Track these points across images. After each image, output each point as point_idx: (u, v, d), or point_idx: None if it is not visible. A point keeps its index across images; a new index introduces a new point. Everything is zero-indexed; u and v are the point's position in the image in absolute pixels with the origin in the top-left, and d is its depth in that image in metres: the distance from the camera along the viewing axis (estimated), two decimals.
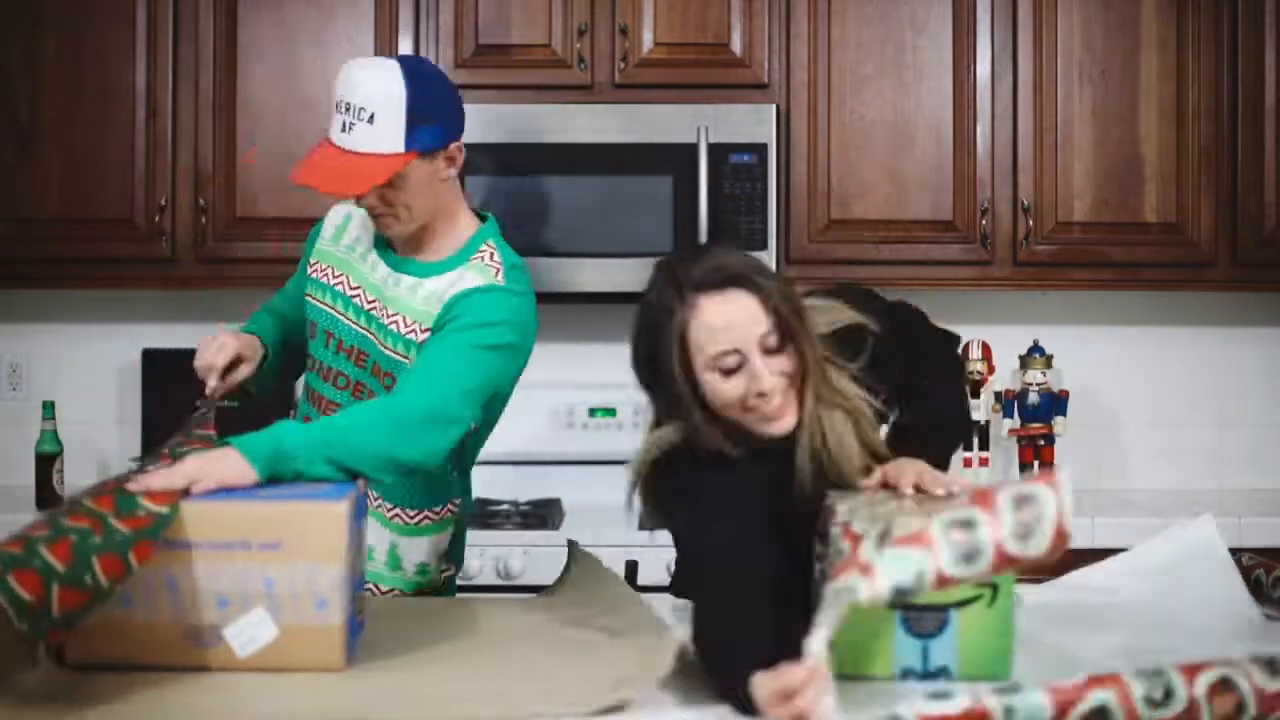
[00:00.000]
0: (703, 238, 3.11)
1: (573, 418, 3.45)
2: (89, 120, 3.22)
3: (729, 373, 1.69)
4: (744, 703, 1.42)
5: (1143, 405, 3.58)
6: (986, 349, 3.37)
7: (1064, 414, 3.39)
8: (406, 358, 2.08)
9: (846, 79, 3.25)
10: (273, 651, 1.58)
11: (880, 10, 3.26)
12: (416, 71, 2.04)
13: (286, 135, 3.23)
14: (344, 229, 2.22)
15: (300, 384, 2.28)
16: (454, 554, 2.31)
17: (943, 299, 3.52)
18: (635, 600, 1.92)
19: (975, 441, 3.35)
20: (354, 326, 2.14)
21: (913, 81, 3.25)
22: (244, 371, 2.13)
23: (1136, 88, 3.25)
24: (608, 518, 3.16)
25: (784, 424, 1.73)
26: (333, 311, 2.16)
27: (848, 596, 1.34)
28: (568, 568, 2.16)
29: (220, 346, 2.09)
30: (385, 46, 3.23)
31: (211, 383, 2.07)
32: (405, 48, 3.23)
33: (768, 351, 1.70)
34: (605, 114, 3.17)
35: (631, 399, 3.54)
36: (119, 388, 3.51)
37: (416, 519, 2.21)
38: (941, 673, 1.59)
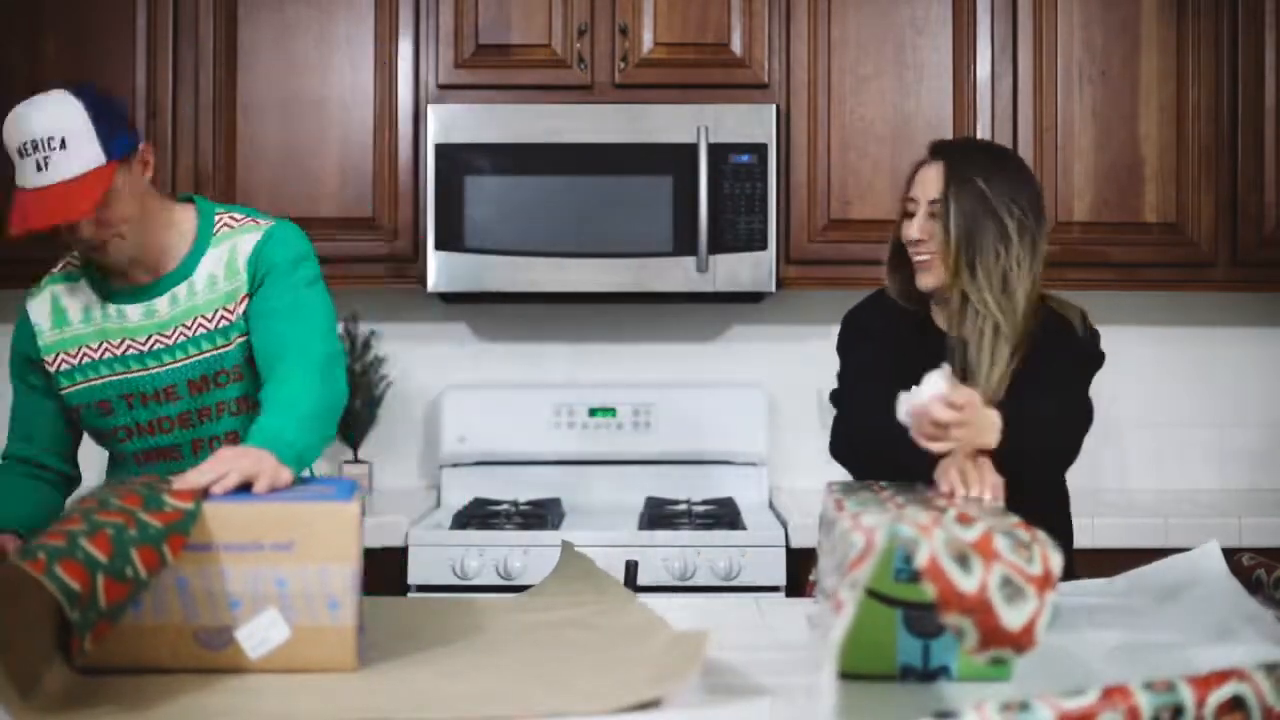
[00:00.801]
0: (703, 238, 3.11)
1: (573, 418, 3.45)
2: None
3: (905, 215, 2.19)
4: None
5: (1142, 405, 3.58)
6: None
7: None
8: (228, 345, 2.15)
9: (846, 79, 3.25)
10: (284, 652, 1.58)
11: (880, 10, 3.26)
12: (80, 90, 2.06)
13: (287, 135, 3.23)
14: (62, 314, 2.19)
15: (102, 455, 2.28)
16: None
17: None
18: (631, 598, 1.92)
19: None
20: (152, 372, 2.16)
21: (913, 81, 3.26)
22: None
23: (1136, 88, 3.25)
24: (608, 518, 3.17)
25: (926, 278, 2.16)
26: (118, 377, 2.16)
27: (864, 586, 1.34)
28: (560, 566, 2.16)
29: None
30: (385, 46, 3.23)
31: None
32: (405, 48, 3.23)
33: (930, 215, 2.14)
34: (605, 114, 3.17)
35: (631, 399, 3.56)
36: None
37: None
38: (942, 672, 1.59)
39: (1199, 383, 3.59)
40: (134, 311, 2.16)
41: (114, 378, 2.16)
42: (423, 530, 2.98)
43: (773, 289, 3.17)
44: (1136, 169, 3.25)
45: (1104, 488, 3.53)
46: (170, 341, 2.15)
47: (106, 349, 2.17)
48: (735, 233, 3.15)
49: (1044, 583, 1.37)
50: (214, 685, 1.54)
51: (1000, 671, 1.57)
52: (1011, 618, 1.34)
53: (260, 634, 1.58)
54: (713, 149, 3.14)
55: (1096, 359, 2.22)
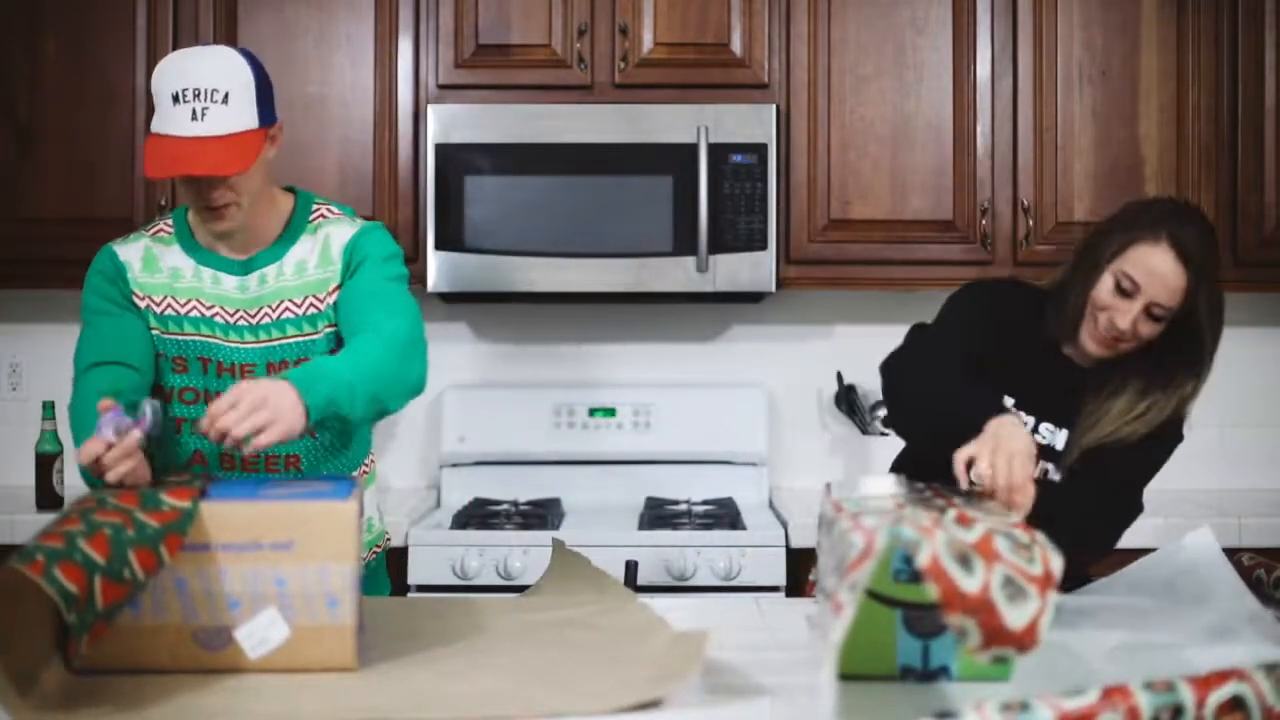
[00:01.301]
0: (703, 238, 3.11)
1: (573, 418, 3.45)
2: (89, 120, 3.22)
3: (1120, 292, 2.03)
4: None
5: None
6: None
7: None
8: (315, 333, 2.13)
9: (846, 79, 3.25)
10: (284, 652, 1.58)
11: (880, 10, 3.26)
12: (245, 52, 2.06)
13: (287, 135, 3.23)
14: (154, 261, 2.15)
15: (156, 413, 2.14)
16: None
17: (943, 299, 3.51)
18: (630, 598, 1.92)
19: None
20: (234, 345, 2.13)
21: (913, 81, 3.25)
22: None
23: (1136, 88, 3.25)
24: (608, 518, 3.17)
25: (1102, 351, 2.08)
26: (202, 338, 2.13)
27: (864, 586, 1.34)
28: (555, 565, 2.16)
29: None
30: (385, 46, 3.23)
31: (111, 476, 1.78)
32: (405, 48, 3.23)
33: (1149, 315, 2.03)
34: (605, 114, 3.17)
35: (631, 399, 3.56)
36: None
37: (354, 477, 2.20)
38: (942, 672, 1.59)
39: None
40: (230, 282, 2.13)
41: (197, 337, 2.12)
42: (423, 530, 2.98)
43: (773, 289, 3.17)
44: (1136, 169, 3.25)
45: None
46: (255, 321, 2.12)
47: (195, 307, 2.12)
48: (735, 233, 3.15)
49: (1045, 583, 1.37)
50: (213, 685, 1.54)
51: (1000, 671, 1.57)
52: (1014, 617, 1.34)
53: (260, 634, 1.58)
54: (713, 149, 3.14)
55: (1178, 440, 2.20)
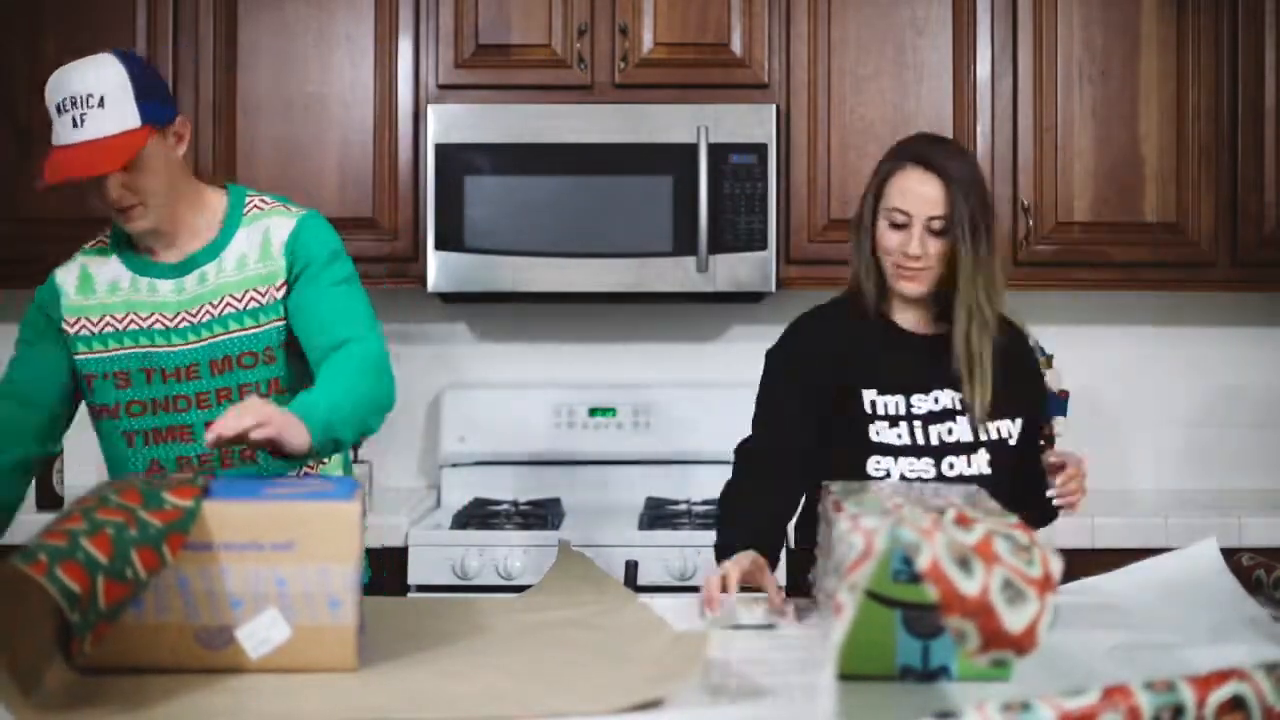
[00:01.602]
0: (703, 238, 3.11)
1: (573, 418, 3.45)
2: None
3: (897, 227, 2.12)
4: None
5: (1143, 405, 3.58)
6: None
7: (1064, 414, 3.38)
8: (258, 327, 2.15)
9: (846, 79, 3.25)
10: (285, 652, 1.58)
11: (880, 10, 3.26)
12: (127, 56, 2.10)
13: (287, 135, 3.23)
14: (89, 281, 2.20)
15: (90, 431, 2.24)
16: None
17: None
18: (631, 598, 1.92)
19: None
20: (176, 349, 2.15)
21: (913, 81, 3.25)
22: None
23: (1136, 88, 3.25)
24: (608, 518, 3.17)
25: (913, 287, 2.14)
26: (140, 350, 2.16)
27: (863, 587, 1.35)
28: (558, 565, 2.16)
29: None
30: (385, 46, 3.23)
31: None
32: (405, 48, 3.23)
33: (931, 232, 2.10)
34: (605, 114, 3.17)
35: (631, 399, 3.56)
36: None
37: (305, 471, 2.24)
38: (942, 672, 1.59)
39: (1199, 382, 3.59)
40: (165, 287, 2.17)
41: (136, 350, 2.16)
42: (422, 530, 2.98)
43: (773, 289, 3.17)
44: (1136, 169, 3.25)
45: (1104, 488, 3.52)
46: (196, 320, 2.15)
47: (133, 320, 2.17)
48: (735, 233, 3.15)
49: (1044, 585, 1.37)
50: (214, 685, 1.54)
51: (1000, 672, 1.57)
52: (1013, 620, 1.34)
53: (261, 634, 1.58)
54: (713, 149, 3.14)
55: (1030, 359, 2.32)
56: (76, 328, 2.18)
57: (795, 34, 3.25)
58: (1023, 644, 1.35)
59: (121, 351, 2.17)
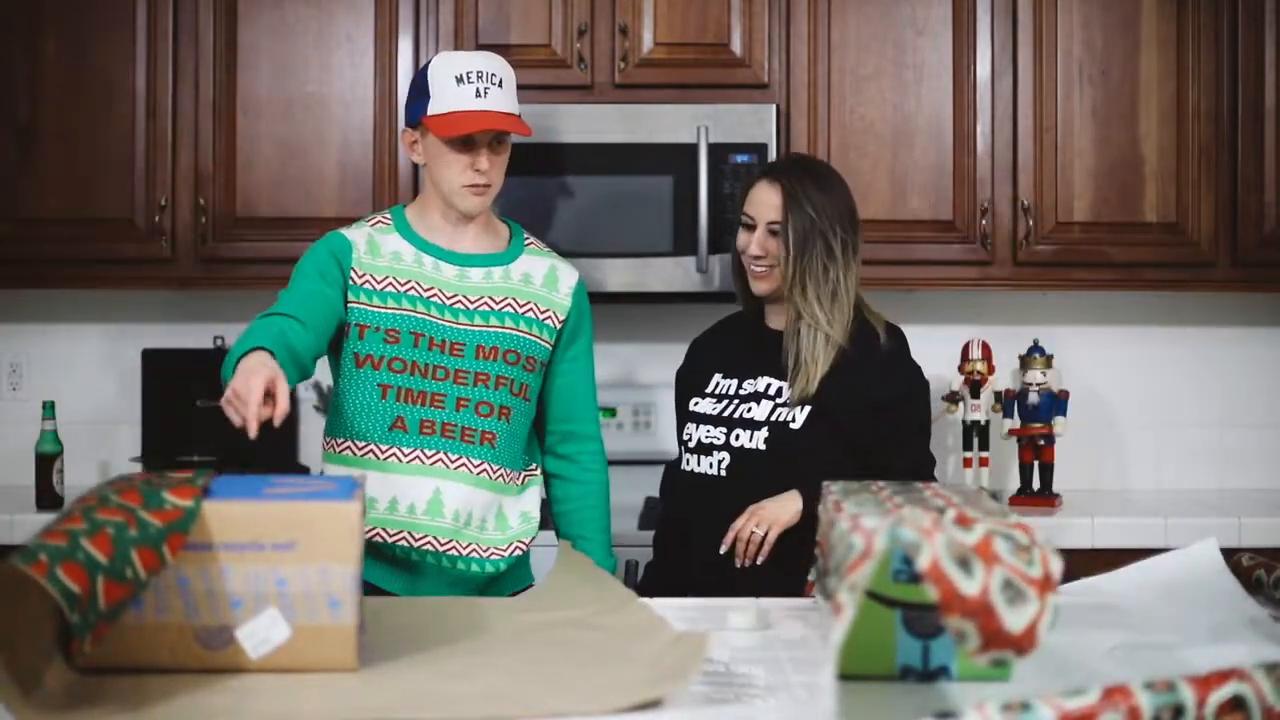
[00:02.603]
0: (703, 238, 3.11)
1: None
2: (89, 120, 3.22)
3: (747, 229, 2.49)
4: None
5: (1143, 405, 3.58)
6: (986, 349, 3.36)
7: (1064, 414, 3.38)
8: (530, 335, 2.37)
9: (846, 79, 3.25)
10: (285, 652, 1.58)
11: (880, 10, 3.26)
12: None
13: (287, 135, 3.23)
14: (376, 246, 2.35)
15: (346, 382, 2.35)
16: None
17: (943, 299, 3.52)
18: (631, 598, 1.93)
19: (975, 441, 3.34)
20: (447, 324, 2.32)
21: (913, 81, 3.25)
22: (282, 405, 1.98)
23: (1136, 88, 3.25)
24: None
25: (762, 285, 2.48)
26: (416, 314, 2.31)
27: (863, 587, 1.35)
28: (558, 566, 2.16)
29: (257, 386, 1.95)
30: (385, 46, 3.23)
31: (252, 429, 1.93)
32: (405, 48, 3.23)
33: (770, 233, 2.44)
34: (605, 114, 3.17)
35: (631, 399, 3.55)
36: (119, 388, 3.51)
37: (522, 479, 2.48)
38: (942, 672, 1.59)
39: (1199, 383, 3.59)
40: (449, 270, 2.35)
41: (413, 313, 2.32)
42: None
43: None
44: (1136, 169, 3.25)
45: (1104, 488, 3.53)
46: (473, 306, 2.34)
47: (413, 287, 2.33)
48: (735, 232, 3.14)
49: (1044, 585, 1.37)
50: (215, 684, 1.54)
51: (1000, 672, 1.56)
52: (1013, 620, 1.34)
53: (261, 634, 1.58)
54: (713, 149, 3.14)
55: (924, 386, 2.54)
56: (363, 280, 2.32)
57: (795, 34, 3.25)
58: (1023, 644, 1.35)
59: (399, 311, 2.32)
